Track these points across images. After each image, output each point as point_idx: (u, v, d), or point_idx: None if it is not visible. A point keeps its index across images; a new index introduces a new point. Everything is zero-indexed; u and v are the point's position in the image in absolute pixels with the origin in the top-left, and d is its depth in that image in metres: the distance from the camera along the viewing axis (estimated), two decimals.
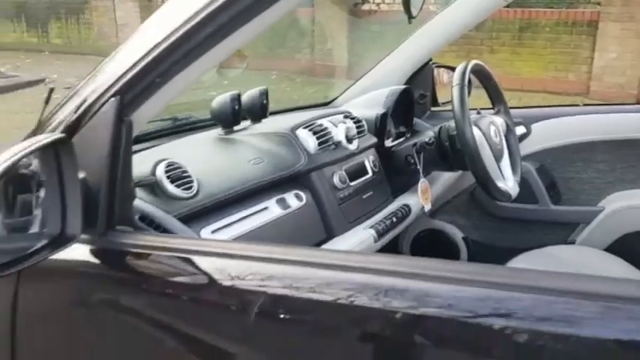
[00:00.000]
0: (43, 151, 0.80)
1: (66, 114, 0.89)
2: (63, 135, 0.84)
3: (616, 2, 6.34)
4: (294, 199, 1.28)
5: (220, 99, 1.43)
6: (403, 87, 1.71)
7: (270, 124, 1.47)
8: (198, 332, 0.81)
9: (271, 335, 0.76)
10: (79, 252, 0.86)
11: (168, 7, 0.89)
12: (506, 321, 0.62)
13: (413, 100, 1.78)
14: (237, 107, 1.43)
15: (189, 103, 1.67)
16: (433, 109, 2.03)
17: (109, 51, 0.94)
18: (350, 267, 0.74)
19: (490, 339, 0.64)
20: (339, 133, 1.41)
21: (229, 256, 0.81)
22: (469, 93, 1.70)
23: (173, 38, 0.82)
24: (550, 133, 1.87)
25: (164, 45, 0.82)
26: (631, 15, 6.27)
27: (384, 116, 1.58)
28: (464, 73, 1.47)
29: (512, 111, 1.81)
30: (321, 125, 1.40)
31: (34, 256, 0.79)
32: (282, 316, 0.75)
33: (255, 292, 0.75)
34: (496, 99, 1.67)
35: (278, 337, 0.76)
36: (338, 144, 1.41)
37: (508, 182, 1.57)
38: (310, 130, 1.37)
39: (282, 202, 1.25)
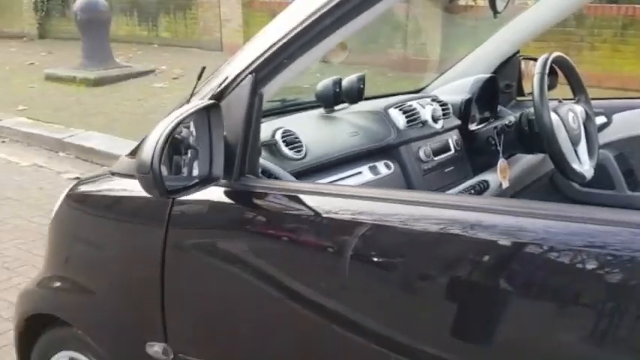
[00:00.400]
0: (198, 112, 1.07)
1: (212, 87, 1.15)
2: (214, 101, 1.10)
3: None
4: (384, 168, 1.49)
5: (324, 83, 1.67)
6: (488, 75, 1.87)
7: (365, 105, 1.69)
8: (311, 250, 1.04)
9: (368, 263, 0.98)
10: (218, 193, 1.12)
11: (294, 6, 1.13)
12: (599, 251, 0.78)
13: (498, 88, 1.94)
14: (337, 90, 1.66)
15: (295, 87, 1.92)
16: (518, 98, 2.17)
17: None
18: (438, 204, 0.94)
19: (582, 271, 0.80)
20: (426, 114, 1.61)
21: (331, 194, 1.04)
22: (555, 86, 1.84)
23: (299, 29, 1.06)
24: (630, 123, 1.97)
25: (291, 34, 1.06)
26: None
27: (468, 101, 1.76)
28: (545, 63, 1.62)
29: (595, 102, 1.93)
30: (410, 106, 1.61)
31: (192, 189, 1.06)
32: (376, 246, 0.97)
33: (352, 222, 0.98)
34: (577, 89, 1.80)
35: (373, 265, 0.97)
36: (425, 123, 1.61)
37: (584, 165, 1.70)
38: (400, 109, 1.58)
39: (374, 169, 1.47)
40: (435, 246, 0.92)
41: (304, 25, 1.05)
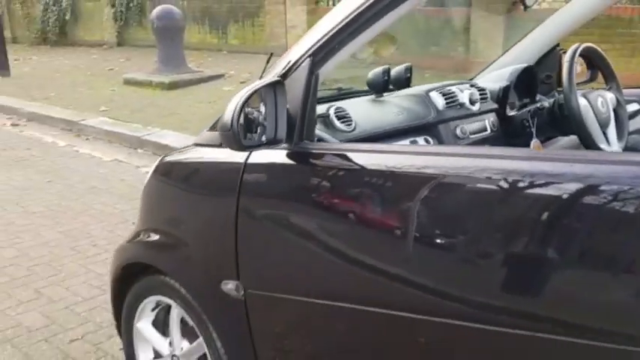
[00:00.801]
0: (267, 87, 1.34)
1: (278, 68, 1.41)
2: (279, 79, 1.36)
3: None
4: (423, 142, 1.71)
5: (374, 71, 1.90)
6: (524, 65, 2.06)
7: (410, 89, 1.92)
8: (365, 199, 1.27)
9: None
10: (281, 155, 1.39)
11: (343, 2, 1.38)
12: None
13: (536, 77, 2.12)
14: (386, 78, 1.89)
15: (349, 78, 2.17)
16: (559, 89, 2.34)
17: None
18: (476, 154, 1.15)
19: None
20: (464, 97, 1.83)
21: (374, 151, 1.28)
22: (595, 78, 2.02)
23: (347, 20, 1.31)
24: None
25: (341, 24, 1.31)
26: None
27: (506, 88, 1.96)
28: (574, 52, 1.81)
29: (629, 91, 2.08)
30: (449, 90, 1.83)
31: (261, 146, 1.33)
32: (412, 194, 1.19)
33: (393, 173, 1.21)
34: (608, 77, 1.97)
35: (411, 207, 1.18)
36: (462, 105, 1.83)
37: (612, 146, 1.86)
38: (440, 92, 1.80)
39: (414, 143, 1.69)
40: (476, 192, 1.09)
41: (351, 16, 1.30)
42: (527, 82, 2.05)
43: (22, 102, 7.98)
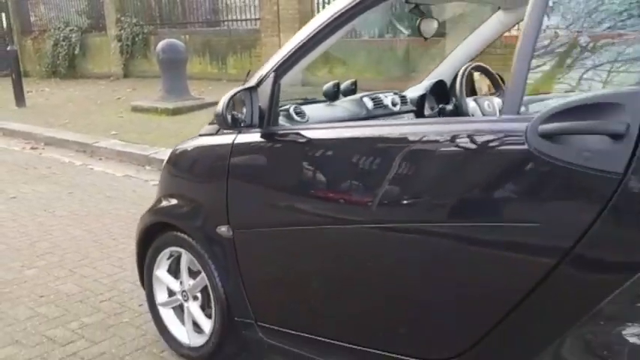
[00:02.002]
0: (246, 90, 2.07)
1: (255, 79, 2.14)
2: (254, 85, 2.09)
3: None
4: None
5: (327, 85, 2.64)
6: (438, 79, 2.81)
7: (351, 96, 2.65)
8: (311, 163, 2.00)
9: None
10: (256, 135, 2.11)
11: (298, 32, 2.11)
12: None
13: (446, 88, 2.86)
14: (336, 89, 2.62)
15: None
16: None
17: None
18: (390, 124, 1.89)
19: None
20: (387, 101, 2.57)
21: (318, 129, 2.01)
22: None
23: (295, 48, 2.04)
24: None
25: (294, 48, 2.04)
26: None
27: (422, 96, 2.70)
28: (466, 69, 2.55)
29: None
30: (377, 95, 2.56)
31: (243, 128, 2.07)
32: (349, 151, 1.91)
33: (332, 139, 1.94)
34: (496, 86, 2.71)
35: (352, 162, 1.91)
36: (386, 106, 2.56)
37: None
38: (370, 97, 2.53)
39: None
40: (387, 148, 1.78)
41: (298, 45, 2.03)
42: (441, 91, 2.79)
43: (39, 128, 8.76)
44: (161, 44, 9.13)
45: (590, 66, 1.54)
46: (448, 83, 2.86)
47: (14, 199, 5.47)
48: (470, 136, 1.60)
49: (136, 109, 9.41)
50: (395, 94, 2.67)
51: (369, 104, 2.53)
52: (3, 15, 15.95)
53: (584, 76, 1.54)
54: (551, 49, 1.54)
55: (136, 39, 13.56)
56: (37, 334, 2.90)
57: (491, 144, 1.54)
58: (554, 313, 1.46)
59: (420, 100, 2.69)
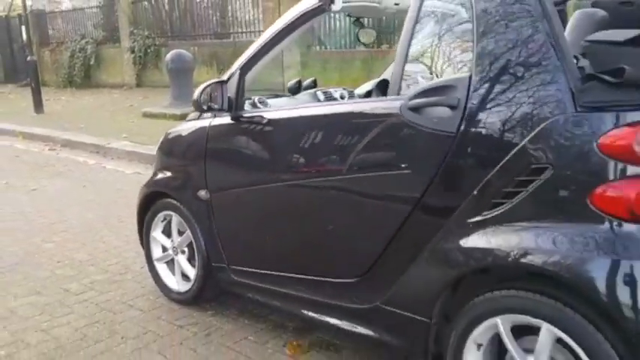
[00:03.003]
0: (218, 83, 2.71)
1: (226, 75, 2.77)
2: (225, 80, 2.73)
3: None
4: None
5: (291, 82, 3.26)
6: (382, 79, 3.42)
7: (310, 91, 3.27)
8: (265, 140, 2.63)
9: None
10: (227, 118, 2.75)
11: (258, 39, 2.75)
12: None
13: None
14: (298, 85, 3.25)
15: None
16: None
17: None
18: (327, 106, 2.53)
19: None
20: (336, 94, 3.19)
21: (277, 110, 2.64)
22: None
23: (258, 47, 2.67)
24: None
25: (256, 49, 2.68)
26: None
27: (369, 91, 3.32)
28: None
29: None
30: (328, 90, 3.19)
31: (214, 111, 2.71)
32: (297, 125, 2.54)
33: (286, 118, 2.57)
34: None
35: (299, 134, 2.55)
36: (335, 99, 3.18)
37: None
38: (322, 92, 3.16)
39: None
40: (325, 123, 2.40)
41: (258, 47, 2.67)
42: (385, 88, 3.40)
43: (56, 132, 9.47)
44: (170, 55, 9.84)
45: (439, 62, 2.15)
46: None
47: (35, 190, 6.14)
48: (367, 111, 2.24)
49: (146, 115, 10.10)
50: (344, 89, 3.29)
51: (321, 97, 3.16)
52: (23, 28, 16.86)
53: (436, 68, 2.16)
54: (418, 50, 2.17)
55: (148, 51, 14.32)
56: (55, 287, 3.54)
57: (379, 116, 2.17)
58: (418, 236, 2.06)
59: (367, 95, 3.30)
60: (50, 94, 14.62)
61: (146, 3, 15.18)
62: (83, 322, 3.06)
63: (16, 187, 6.31)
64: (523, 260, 1.79)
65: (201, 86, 2.71)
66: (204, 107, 2.72)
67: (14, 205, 5.53)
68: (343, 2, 2.55)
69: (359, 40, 3.10)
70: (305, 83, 3.31)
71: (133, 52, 14.60)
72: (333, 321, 2.45)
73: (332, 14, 2.37)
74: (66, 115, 11.38)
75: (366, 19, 3.06)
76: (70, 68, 16.17)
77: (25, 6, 12.90)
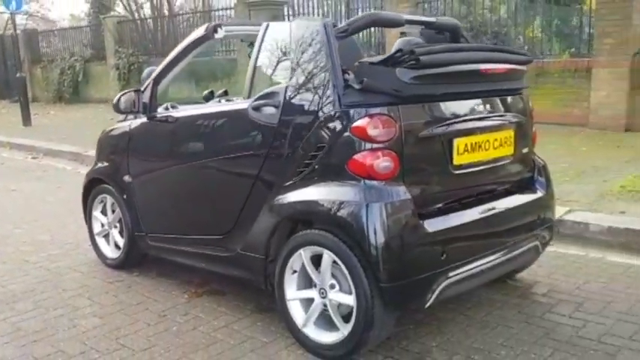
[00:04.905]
0: (136, 92, 3.59)
1: (143, 86, 3.64)
2: (140, 89, 3.59)
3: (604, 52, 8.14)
4: None
5: (206, 91, 4.12)
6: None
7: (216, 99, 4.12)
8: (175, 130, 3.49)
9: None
10: (143, 119, 3.61)
11: (165, 59, 3.61)
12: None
13: None
14: (211, 95, 4.10)
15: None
16: None
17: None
18: (210, 106, 3.41)
19: None
20: (233, 99, 4.06)
21: (183, 110, 3.51)
22: None
23: (164, 66, 3.54)
24: None
25: (162, 67, 3.55)
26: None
27: None
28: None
29: None
30: (230, 98, 4.05)
31: (132, 114, 3.57)
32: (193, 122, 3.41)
33: (186, 116, 3.44)
34: None
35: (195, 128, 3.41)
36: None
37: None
38: (225, 99, 4.02)
39: None
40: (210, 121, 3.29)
41: (165, 64, 3.53)
42: None
43: (40, 142, 10.33)
44: (145, 71, 10.65)
45: (273, 75, 3.02)
46: None
47: (14, 191, 6.99)
48: (231, 110, 3.12)
49: None
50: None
51: (222, 102, 4.02)
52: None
53: (271, 80, 3.02)
54: (261, 66, 3.04)
55: (132, 67, 15.24)
56: (17, 259, 4.37)
57: (236, 115, 3.04)
58: (259, 199, 2.91)
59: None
60: (40, 108, 15.54)
61: (131, 23, 16.14)
62: (35, 281, 3.89)
63: None
64: (310, 208, 2.65)
65: (119, 94, 3.58)
66: (122, 110, 3.58)
67: None
68: (225, 32, 3.42)
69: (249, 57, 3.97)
70: (218, 93, 4.17)
71: (117, 69, 15.50)
72: (215, 268, 3.30)
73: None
74: (52, 127, 12.25)
75: None
76: (59, 84, 17.08)
77: (14, 25, 13.82)
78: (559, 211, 4.73)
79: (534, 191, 3.21)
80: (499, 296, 3.38)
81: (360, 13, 10.80)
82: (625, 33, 7.88)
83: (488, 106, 2.93)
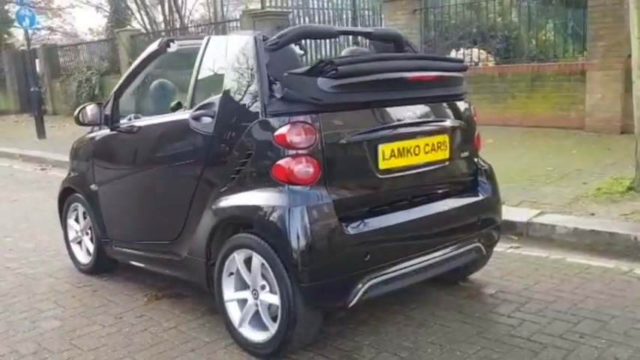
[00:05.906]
0: (97, 104, 3.76)
1: (106, 100, 3.81)
2: (102, 103, 3.77)
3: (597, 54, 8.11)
4: None
5: (174, 102, 4.26)
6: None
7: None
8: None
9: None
10: (106, 130, 3.79)
11: (124, 74, 3.78)
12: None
13: None
14: (178, 106, 4.24)
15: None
16: None
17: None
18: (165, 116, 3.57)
19: None
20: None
21: (142, 121, 3.67)
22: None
23: (122, 80, 3.71)
24: None
25: (122, 81, 3.72)
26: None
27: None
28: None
29: None
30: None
31: (96, 126, 3.75)
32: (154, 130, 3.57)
33: (146, 126, 3.60)
34: None
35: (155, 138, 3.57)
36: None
37: None
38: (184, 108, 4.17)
39: None
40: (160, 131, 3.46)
41: (123, 79, 3.70)
42: None
43: (50, 154, 10.66)
44: (153, 84, 10.99)
45: (211, 87, 3.15)
46: None
47: (16, 201, 7.26)
48: (177, 120, 3.26)
49: None
50: None
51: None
52: (37, 61, 18.36)
53: (209, 92, 3.15)
54: (201, 79, 3.18)
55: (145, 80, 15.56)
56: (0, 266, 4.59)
57: (180, 124, 3.18)
58: (201, 205, 3.04)
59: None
60: (57, 122, 15.98)
61: (144, 37, 16.52)
62: (10, 286, 4.08)
63: (0, 198, 7.44)
64: (240, 213, 2.77)
65: (80, 107, 3.76)
66: (84, 122, 3.76)
67: None
68: (178, 46, 3.57)
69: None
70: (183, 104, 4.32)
71: None
72: (168, 272, 3.43)
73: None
74: (64, 139, 12.54)
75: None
76: (77, 97, 17.50)
77: (28, 41, 14.28)
78: (530, 214, 4.80)
79: (476, 194, 3.28)
80: (445, 296, 3.45)
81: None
82: (618, 35, 7.83)
83: (418, 112, 3.01)
